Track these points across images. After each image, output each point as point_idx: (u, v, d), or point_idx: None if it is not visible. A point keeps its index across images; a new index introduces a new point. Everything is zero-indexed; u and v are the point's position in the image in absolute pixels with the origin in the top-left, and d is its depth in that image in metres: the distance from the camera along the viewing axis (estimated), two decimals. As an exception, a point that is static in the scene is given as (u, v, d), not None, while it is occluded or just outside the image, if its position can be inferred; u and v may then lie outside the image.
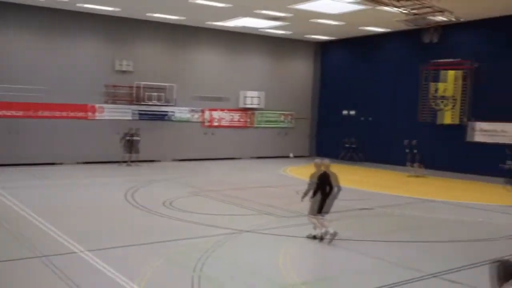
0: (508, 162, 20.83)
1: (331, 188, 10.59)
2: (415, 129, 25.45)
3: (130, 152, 24.10)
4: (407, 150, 23.93)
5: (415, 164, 23.32)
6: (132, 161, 24.18)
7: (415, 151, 23.65)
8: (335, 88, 30.75)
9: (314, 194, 10.69)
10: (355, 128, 28.96)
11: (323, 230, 10.67)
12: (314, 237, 10.82)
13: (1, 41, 22.50)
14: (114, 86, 25.09)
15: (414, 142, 23.80)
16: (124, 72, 25.22)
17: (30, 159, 22.92)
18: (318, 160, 11.16)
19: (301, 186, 18.51)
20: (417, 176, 22.90)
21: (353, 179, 20.52)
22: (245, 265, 8.99)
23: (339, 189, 10.77)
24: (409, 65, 26.13)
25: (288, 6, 21.49)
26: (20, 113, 22.93)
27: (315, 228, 10.89)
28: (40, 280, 8.05)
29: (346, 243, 10.70)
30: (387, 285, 8.11)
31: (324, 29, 26.67)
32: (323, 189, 10.58)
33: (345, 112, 29.84)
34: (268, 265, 9.12)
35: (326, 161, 11.04)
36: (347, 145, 28.91)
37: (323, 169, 10.79)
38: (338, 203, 10.85)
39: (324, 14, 22.89)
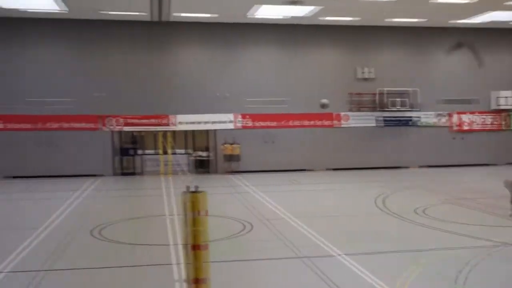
0: None
1: None
2: None
3: None
4: None
5: None
6: None
7: None
8: None
9: None
10: None
11: None
12: None
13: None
14: (357, 94, 25.57)
15: None
16: (365, 79, 25.58)
17: (283, 166, 24.77)
18: None
19: None
20: None
21: None
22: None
23: None
24: None
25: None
26: (274, 124, 25.11)
27: None
28: (302, 280, 8.50)
29: None
30: None
31: None
32: None
33: None
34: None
35: None
36: None
37: None
38: None
39: None
